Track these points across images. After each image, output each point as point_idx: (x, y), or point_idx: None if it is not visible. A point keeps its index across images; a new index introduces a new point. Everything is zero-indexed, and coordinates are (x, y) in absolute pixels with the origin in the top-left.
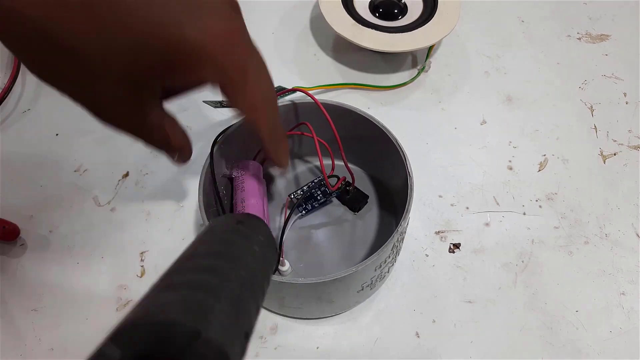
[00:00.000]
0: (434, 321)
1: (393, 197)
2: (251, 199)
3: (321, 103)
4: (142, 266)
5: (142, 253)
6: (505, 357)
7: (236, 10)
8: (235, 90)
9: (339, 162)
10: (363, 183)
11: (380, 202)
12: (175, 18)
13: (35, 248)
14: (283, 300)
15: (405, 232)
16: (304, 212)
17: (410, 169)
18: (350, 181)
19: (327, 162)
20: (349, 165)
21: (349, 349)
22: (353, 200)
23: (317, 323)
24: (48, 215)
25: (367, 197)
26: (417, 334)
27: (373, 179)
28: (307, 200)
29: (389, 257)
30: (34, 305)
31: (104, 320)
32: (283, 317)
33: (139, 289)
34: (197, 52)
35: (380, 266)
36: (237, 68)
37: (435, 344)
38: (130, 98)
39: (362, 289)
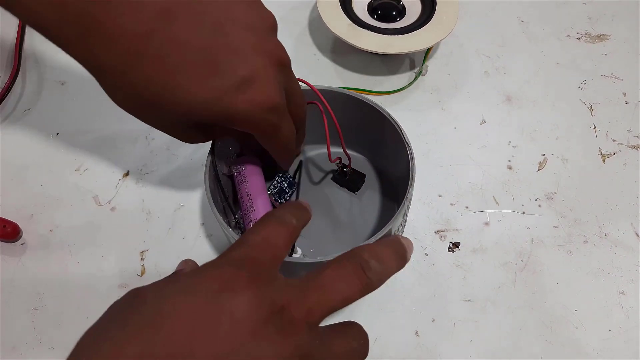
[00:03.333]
0: (433, 320)
1: (391, 181)
2: (257, 192)
3: (316, 88)
4: (142, 265)
5: (142, 252)
6: (504, 356)
7: (281, 64)
8: (267, 141)
9: (336, 149)
10: (366, 170)
11: (381, 187)
12: (225, 92)
13: (35, 247)
14: None
15: (411, 199)
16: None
17: (408, 139)
18: (347, 164)
19: (323, 149)
20: (346, 148)
21: None
22: (351, 181)
23: None
24: (48, 215)
25: (364, 175)
26: (416, 332)
27: (373, 165)
28: (280, 195)
29: (401, 224)
30: (35, 304)
31: None
32: None
33: None
34: (244, 119)
35: (396, 232)
36: (270, 128)
37: (435, 343)
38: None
39: None
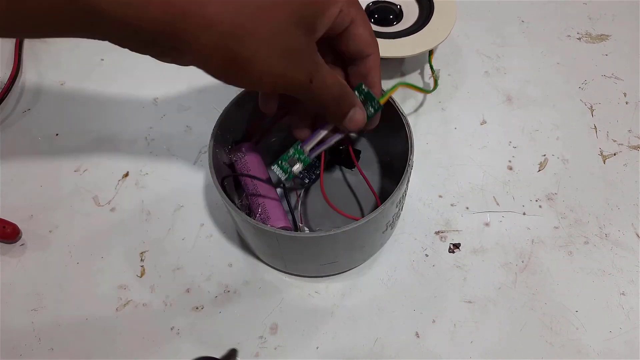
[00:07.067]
0: (433, 321)
1: (387, 155)
2: (260, 177)
3: None
4: (142, 266)
5: (142, 253)
6: (505, 357)
7: None
8: (358, 22)
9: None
10: (362, 147)
11: (378, 162)
12: None
13: (35, 248)
14: (319, 257)
15: (412, 166)
16: (307, 182)
17: (402, 110)
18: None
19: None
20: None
21: (348, 349)
22: (347, 158)
23: (316, 321)
24: (48, 215)
25: (359, 152)
26: (417, 333)
27: (369, 142)
28: (309, 171)
29: (404, 194)
30: (34, 305)
31: (104, 321)
32: (283, 315)
33: (139, 288)
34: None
35: (400, 202)
36: (355, 5)
37: (435, 344)
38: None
39: (386, 229)
